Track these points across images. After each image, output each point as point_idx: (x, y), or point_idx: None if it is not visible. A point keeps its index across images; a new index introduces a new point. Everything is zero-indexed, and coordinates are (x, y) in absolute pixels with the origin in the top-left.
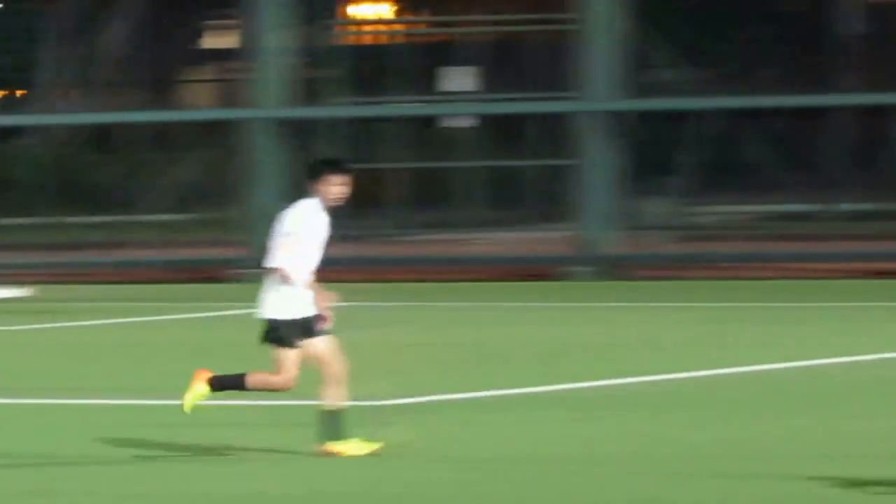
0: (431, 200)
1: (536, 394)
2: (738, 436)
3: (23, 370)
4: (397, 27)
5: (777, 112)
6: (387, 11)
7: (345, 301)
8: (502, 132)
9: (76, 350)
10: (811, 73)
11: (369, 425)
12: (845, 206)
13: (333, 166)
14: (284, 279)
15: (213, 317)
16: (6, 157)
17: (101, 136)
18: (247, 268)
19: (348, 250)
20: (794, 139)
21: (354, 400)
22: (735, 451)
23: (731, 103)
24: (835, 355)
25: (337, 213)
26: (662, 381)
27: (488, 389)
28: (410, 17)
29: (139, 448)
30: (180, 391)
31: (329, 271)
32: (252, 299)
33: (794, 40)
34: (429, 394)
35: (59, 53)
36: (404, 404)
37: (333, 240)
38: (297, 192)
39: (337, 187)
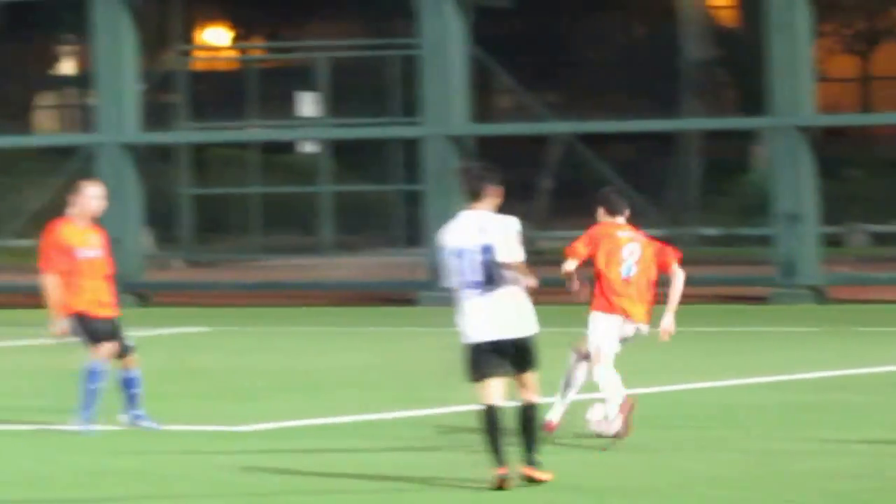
0: (280, 225)
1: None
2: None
3: None
4: (249, 52)
5: (624, 137)
6: (236, 37)
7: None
8: (350, 156)
9: None
10: (658, 98)
11: None
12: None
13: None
14: None
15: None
16: None
17: None
18: None
19: (196, 275)
20: (642, 163)
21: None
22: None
23: (577, 128)
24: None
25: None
26: None
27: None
28: (260, 43)
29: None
30: (34, 416)
31: (175, 295)
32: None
33: (639, 65)
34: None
35: None
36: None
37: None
38: (148, 214)
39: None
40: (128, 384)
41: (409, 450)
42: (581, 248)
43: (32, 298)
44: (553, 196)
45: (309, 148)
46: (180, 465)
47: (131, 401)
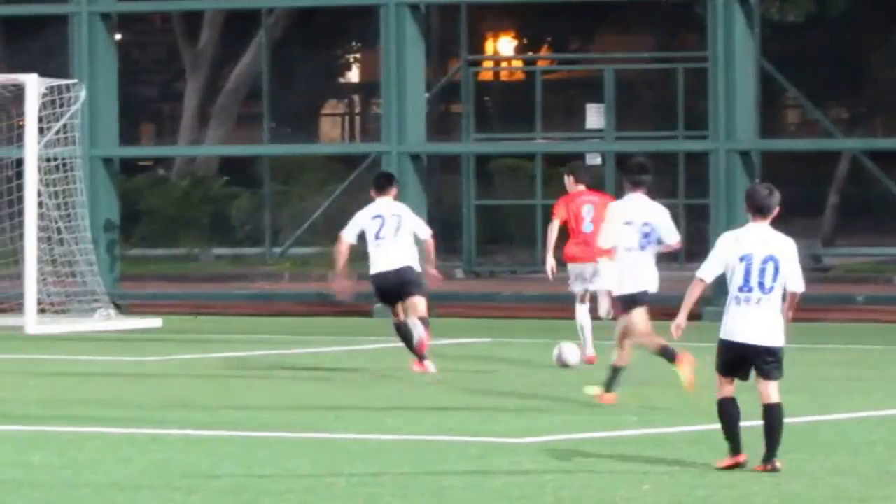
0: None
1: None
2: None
3: (149, 401)
4: (538, 63)
5: None
6: (522, 48)
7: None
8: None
9: (207, 381)
10: None
11: None
12: None
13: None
14: None
15: (343, 351)
16: (141, 188)
17: (236, 169)
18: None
19: (477, 286)
20: None
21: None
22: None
23: (866, 145)
24: None
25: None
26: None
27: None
28: (545, 54)
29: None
30: (313, 424)
31: (456, 306)
32: (381, 334)
33: None
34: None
35: (198, 87)
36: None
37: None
38: (431, 224)
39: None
40: None
41: (689, 466)
42: (561, 212)
43: (314, 306)
44: (839, 212)
45: (593, 160)
46: (458, 478)
47: None
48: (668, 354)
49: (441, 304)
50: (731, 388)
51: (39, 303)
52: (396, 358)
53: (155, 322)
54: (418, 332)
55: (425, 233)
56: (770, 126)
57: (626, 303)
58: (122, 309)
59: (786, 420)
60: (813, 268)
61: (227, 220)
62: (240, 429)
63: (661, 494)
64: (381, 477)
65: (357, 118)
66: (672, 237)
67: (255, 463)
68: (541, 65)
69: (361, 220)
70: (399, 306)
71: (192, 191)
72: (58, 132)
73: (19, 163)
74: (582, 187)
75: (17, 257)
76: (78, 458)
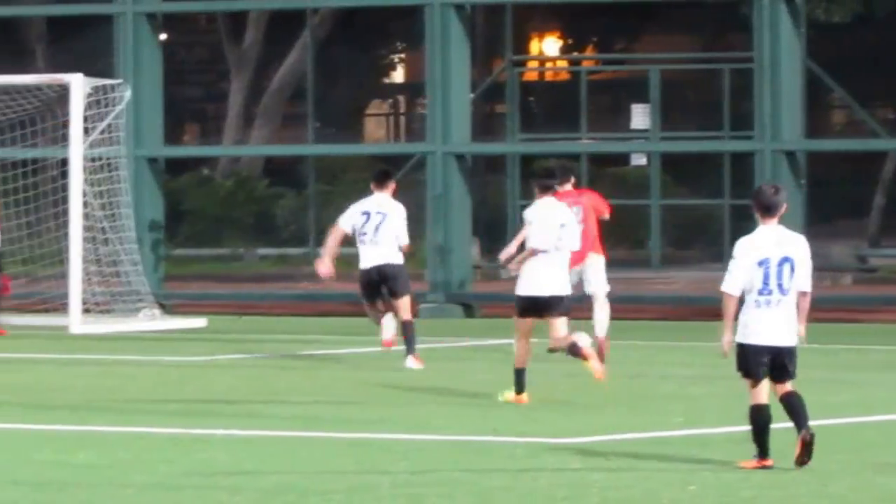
0: (607, 238)
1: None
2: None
3: (193, 400)
4: (584, 64)
5: None
6: (567, 48)
7: None
8: (678, 169)
9: (251, 381)
10: None
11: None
12: None
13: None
14: None
15: (387, 351)
16: (186, 188)
17: (280, 169)
18: (427, 302)
19: None
20: None
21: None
22: None
23: None
24: None
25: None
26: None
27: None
28: (590, 54)
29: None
30: (357, 423)
31: (501, 307)
32: (427, 334)
33: None
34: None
35: (243, 87)
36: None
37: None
38: (476, 225)
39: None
40: None
41: (734, 467)
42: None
43: (359, 306)
44: (885, 213)
45: (638, 160)
46: (503, 478)
47: None
48: (578, 352)
49: (486, 305)
50: (762, 394)
51: (84, 302)
52: (441, 357)
53: (199, 322)
54: (390, 329)
55: (402, 240)
56: (816, 126)
57: (538, 306)
58: (167, 309)
59: (830, 420)
60: (859, 268)
61: (272, 220)
62: (284, 428)
63: (707, 495)
64: (425, 476)
65: (402, 118)
66: (577, 242)
67: (299, 462)
68: (586, 65)
69: (353, 213)
70: (379, 302)
71: (236, 191)
72: (102, 132)
73: (64, 163)
74: (568, 187)
75: (61, 257)
76: (122, 457)
